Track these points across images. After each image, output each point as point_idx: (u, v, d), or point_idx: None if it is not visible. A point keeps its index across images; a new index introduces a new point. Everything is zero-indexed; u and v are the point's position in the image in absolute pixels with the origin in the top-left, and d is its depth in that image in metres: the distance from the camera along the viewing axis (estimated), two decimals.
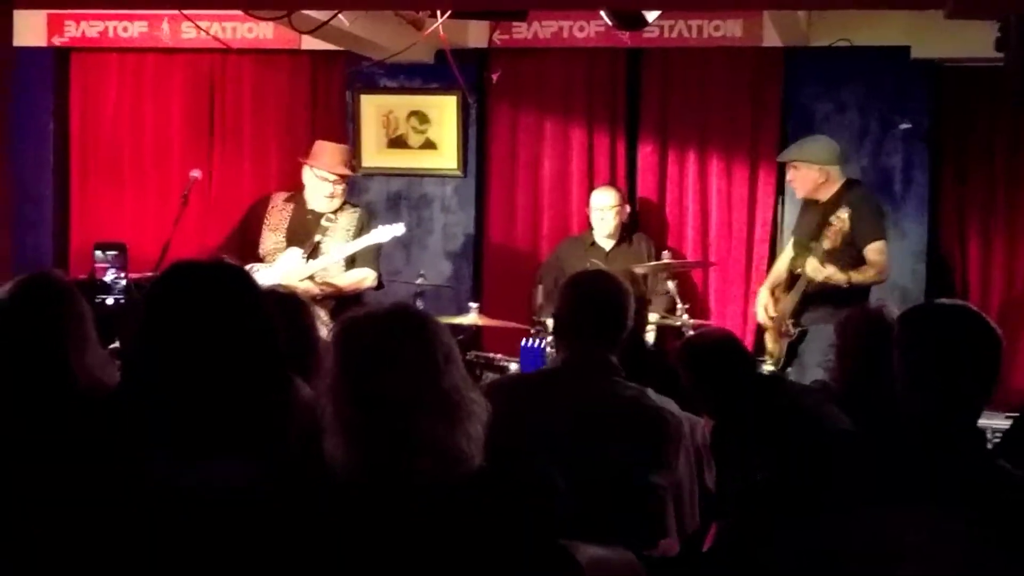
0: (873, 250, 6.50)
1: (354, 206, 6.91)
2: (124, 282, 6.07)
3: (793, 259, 6.79)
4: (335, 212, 6.73)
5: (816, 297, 6.51)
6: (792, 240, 7.01)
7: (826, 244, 6.38)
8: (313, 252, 6.63)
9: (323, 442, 2.48)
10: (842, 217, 6.35)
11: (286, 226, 6.75)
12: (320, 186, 6.70)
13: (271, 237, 6.74)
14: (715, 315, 7.73)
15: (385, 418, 2.44)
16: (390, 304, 2.64)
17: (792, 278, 6.69)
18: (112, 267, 6.12)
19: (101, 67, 8.59)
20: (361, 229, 6.72)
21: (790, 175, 6.88)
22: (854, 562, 2.71)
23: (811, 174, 6.70)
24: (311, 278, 6.52)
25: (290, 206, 6.81)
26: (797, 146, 6.94)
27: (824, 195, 6.69)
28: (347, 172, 6.81)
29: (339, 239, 6.67)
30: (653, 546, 3.69)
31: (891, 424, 2.89)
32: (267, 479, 2.57)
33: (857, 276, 6.43)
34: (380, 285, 6.79)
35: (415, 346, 2.49)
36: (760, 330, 7.02)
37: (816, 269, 6.41)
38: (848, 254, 6.46)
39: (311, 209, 6.74)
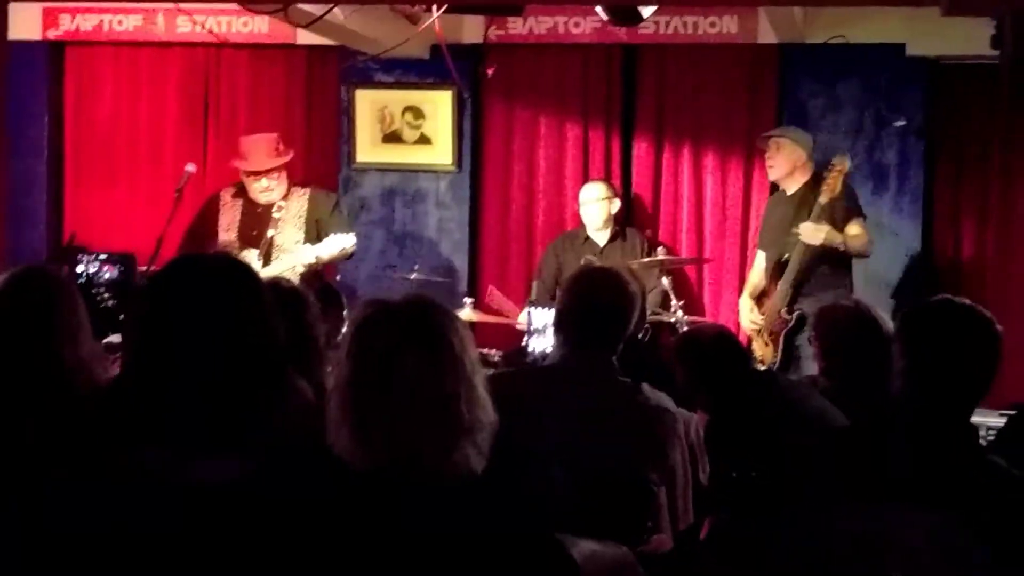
0: (856, 224, 6.59)
1: (303, 187, 6.85)
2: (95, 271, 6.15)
3: (774, 251, 6.80)
4: (284, 199, 6.69)
5: (807, 281, 6.53)
6: (760, 250, 7.05)
7: (823, 198, 6.43)
8: (268, 249, 6.58)
9: (328, 431, 2.46)
10: (842, 159, 6.44)
11: (237, 225, 6.70)
12: (254, 184, 6.68)
13: (225, 238, 6.70)
14: (709, 311, 7.72)
15: (389, 418, 2.43)
16: (413, 297, 2.55)
17: (778, 268, 6.68)
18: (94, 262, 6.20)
19: (96, 61, 8.57)
20: (313, 210, 6.68)
21: (770, 153, 6.92)
22: (845, 557, 2.71)
23: (794, 154, 6.81)
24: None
25: (239, 202, 6.76)
26: (782, 127, 7.06)
27: (792, 185, 6.81)
28: (275, 164, 6.74)
29: (291, 227, 6.63)
30: (647, 541, 3.70)
31: (884, 419, 2.89)
32: (264, 475, 2.56)
33: (852, 241, 6.51)
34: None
35: (428, 350, 2.44)
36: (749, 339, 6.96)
37: (816, 229, 6.42)
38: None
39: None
